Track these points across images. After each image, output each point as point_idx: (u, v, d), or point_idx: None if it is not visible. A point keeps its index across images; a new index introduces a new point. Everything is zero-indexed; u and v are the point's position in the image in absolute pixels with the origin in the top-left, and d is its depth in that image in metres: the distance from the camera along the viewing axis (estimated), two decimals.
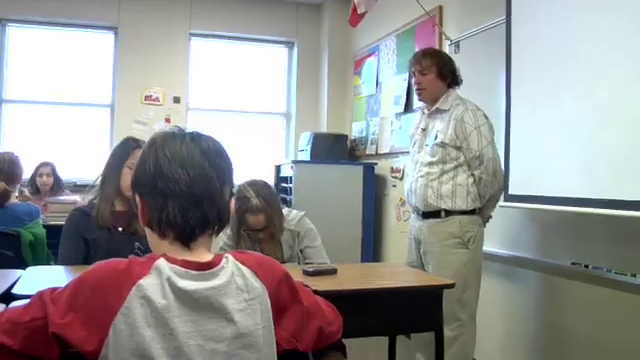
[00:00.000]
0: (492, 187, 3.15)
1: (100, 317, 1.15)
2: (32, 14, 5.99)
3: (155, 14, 6.20)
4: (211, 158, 1.31)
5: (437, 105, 3.27)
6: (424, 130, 3.34)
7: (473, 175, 3.13)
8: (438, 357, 2.39)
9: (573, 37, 2.83)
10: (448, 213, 3.12)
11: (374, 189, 5.41)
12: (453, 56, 4.10)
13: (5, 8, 5.91)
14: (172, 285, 1.18)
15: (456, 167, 3.14)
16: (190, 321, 1.18)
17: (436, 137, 3.20)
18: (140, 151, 2.56)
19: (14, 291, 1.95)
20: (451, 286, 2.39)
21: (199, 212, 1.27)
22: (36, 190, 5.10)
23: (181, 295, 1.18)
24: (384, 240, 5.41)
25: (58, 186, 5.21)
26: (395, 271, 2.79)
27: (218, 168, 1.32)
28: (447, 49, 4.23)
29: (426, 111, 3.37)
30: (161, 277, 1.18)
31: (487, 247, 3.67)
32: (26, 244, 3.58)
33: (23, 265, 3.07)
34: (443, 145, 3.14)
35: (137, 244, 2.47)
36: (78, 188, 5.29)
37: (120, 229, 2.62)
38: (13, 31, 6.13)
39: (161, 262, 1.20)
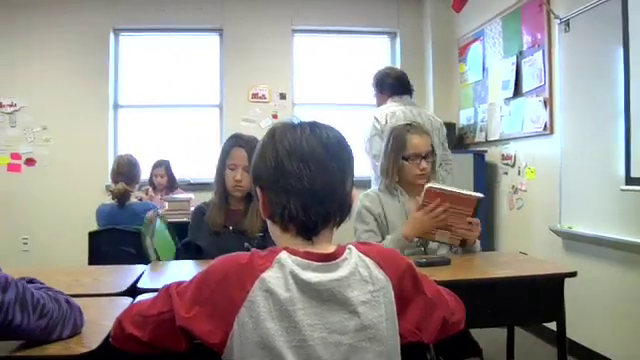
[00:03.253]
0: None
1: (225, 310, 1.17)
2: (141, 22, 6.28)
3: (258, 13, 6.32)
4: (331, 149, 1.29)
5: None
6: None
7: None
8: (560, 350, 2.30)
9: None
10: None
11: (485, 177, 5.27)
12: (562, 35, 3.96)
13: (117, 19, 6.23)
14: (295, 277, 1.18)
15: None
16: (314, 313, 1.18)
17: None
18: (240, 150, 2.63)
19: (139, 285, 2.06)
20: (573, 274, 2.29)
21: (321, 208, 1.26)
22: (153, 188, 5.37)
23: (304, 287, 1.18)
24: (496, 229, 5.27)
25: (172, 184, 5.44)
26: (511, 260, 2.70)
27: (339, 159, 1.29)
28: (556, 29, 4.07)
29: None
30: (284, 270, 1.19)
31: (606, 234, 3.52)
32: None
33: (145, 261, 3.24)
34: None
35: (246, 244, 2.48)
36: (191, 186, 5.52)
37: (230, 227, 2.67)
38: (125, 40, 6.45)
39: (283, 255, 1.21)
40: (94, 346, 1.37)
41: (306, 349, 1.17)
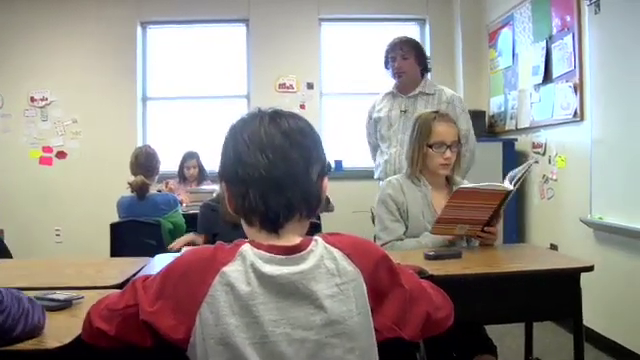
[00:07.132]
0: (470, 162, 3.72)
1: (187, 305, 1.14)
2: (168, 15, 6.33)
3: (284, 3, 6.28)
4: (292, 138, 1.24)
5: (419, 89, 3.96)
6: (405, 112, 3.93)
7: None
8: (577, 347, 2.18)
9: None
10: None
11: (515, 166, 5.06)
12: (592, 17, 3.81)
13: (144, 12, 6.28)
14: (256, 271, 1.14)
15: None
16: (276, 308, 1.13)
17: None
18: None
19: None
20: (590, 269, 2.17)
21: (281, 197, 1.21)
22: (183, 180, 5.39)
23: (265, 281, 1.14)
24: (527, 221, 5.11)
25: (202, 176, 5.45)
26: (531, 253, 2.58)
27: (301, 147, 1.24)
28: (586, 10, 3.90)
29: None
30: (245, 263, 1.15)
31: (639, 225, 3.38)
32: (166, 232, 3.77)
33: (165, 252, 3.23)
34: None
35: None
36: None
37: None
38: (152, 32, 6.50)
39: (246, 248, 1.17)
40: (67, 340, 1.35)
41: (269, 345, 1.12)
